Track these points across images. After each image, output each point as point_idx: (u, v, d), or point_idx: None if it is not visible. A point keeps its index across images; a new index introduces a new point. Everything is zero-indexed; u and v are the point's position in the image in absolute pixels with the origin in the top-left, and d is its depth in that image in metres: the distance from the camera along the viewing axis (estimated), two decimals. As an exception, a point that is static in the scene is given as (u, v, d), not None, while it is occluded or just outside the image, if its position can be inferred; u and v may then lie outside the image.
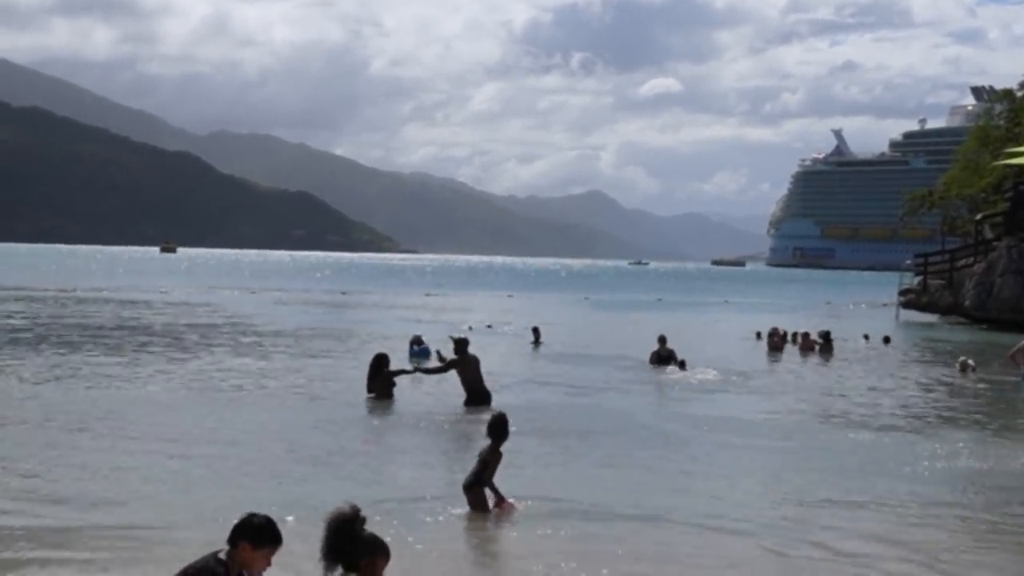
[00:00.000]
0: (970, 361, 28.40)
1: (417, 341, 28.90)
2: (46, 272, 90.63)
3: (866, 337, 38.99)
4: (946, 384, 26.21)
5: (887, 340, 38.80)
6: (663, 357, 27.56)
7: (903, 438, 17.56)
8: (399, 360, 23.63)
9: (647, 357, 28.18)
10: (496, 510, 11.21)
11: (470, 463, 11.71)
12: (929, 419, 20.10)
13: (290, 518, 9.82)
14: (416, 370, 21.09)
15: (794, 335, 35.51)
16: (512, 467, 12.23)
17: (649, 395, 22.83)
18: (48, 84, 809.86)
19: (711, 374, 25.74)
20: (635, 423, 18.33)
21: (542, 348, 33.08)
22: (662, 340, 28.08)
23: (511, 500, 11.30)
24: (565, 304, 64.35)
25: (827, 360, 32.03)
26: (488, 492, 11.33)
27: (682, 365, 26.69)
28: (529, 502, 11.63)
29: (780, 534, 10.88)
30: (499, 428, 11.29)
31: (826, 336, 34.53)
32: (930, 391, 24.98)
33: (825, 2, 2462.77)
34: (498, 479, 11.41)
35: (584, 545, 10.24)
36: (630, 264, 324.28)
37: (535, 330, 35.06)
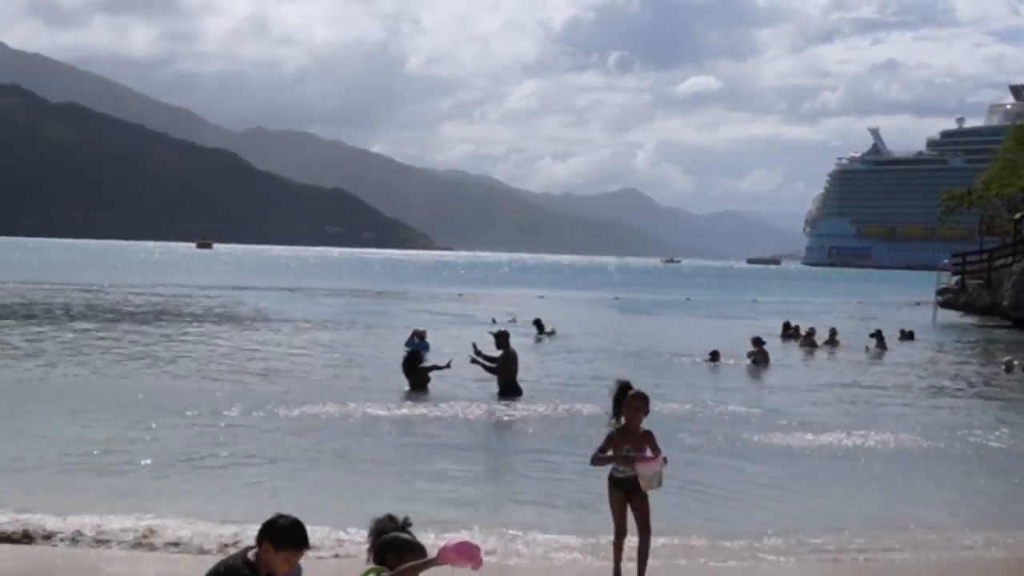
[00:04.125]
0: (1015, 360, 28.26)
1: (420, 335, 28.42)
2: (97, 269, 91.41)
3: (903, 334, 38.54)
4: (992, 382, 26.17)
5: (909, 336, 38.16)
6: (758, 358, 28.02)
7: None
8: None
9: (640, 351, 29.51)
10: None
11: (501, 456, 11.70)
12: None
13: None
14: (448, 363, 20.95)
15: (832, 332, 35.35)
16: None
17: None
18: (87, 81, 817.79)
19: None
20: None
21: (547, 342, 33.39)
22: (756, 342, 28.62)
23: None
24: (592, 304, 64.28)
25: (881, 356, 32.58)
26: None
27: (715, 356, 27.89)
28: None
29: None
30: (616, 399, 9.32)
31: (878, 335, 34.70)
32: (974, 388, 24.95)
33: (868, 0, 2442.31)
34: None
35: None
36: (662, 262, 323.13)
37: (537, 322, 35.76)
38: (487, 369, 20.22)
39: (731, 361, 27.84)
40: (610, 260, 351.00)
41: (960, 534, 11.14)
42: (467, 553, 5.62)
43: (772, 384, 24.61)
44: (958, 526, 11.50)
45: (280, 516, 5.99)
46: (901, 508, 12.28)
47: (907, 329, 39.49)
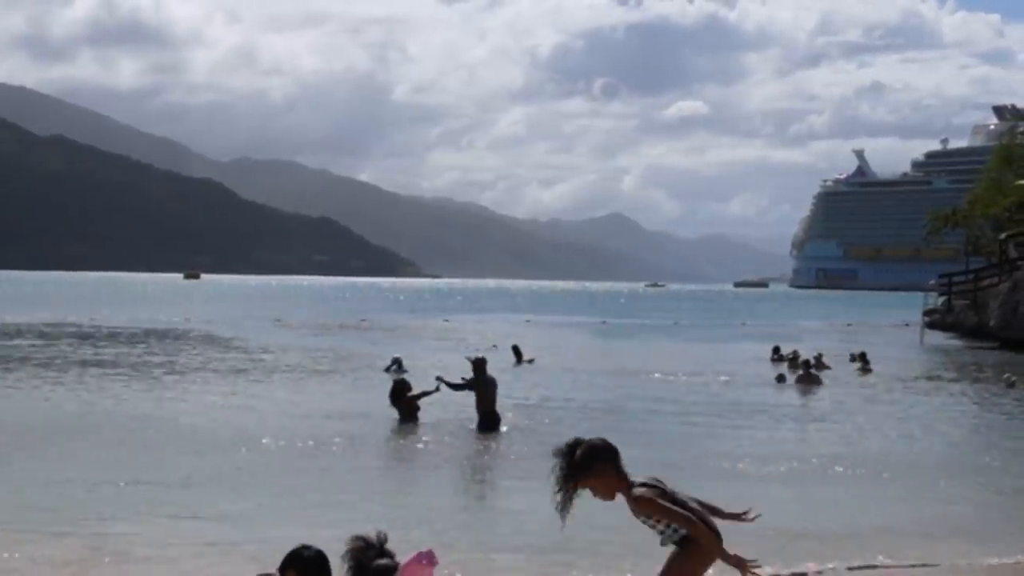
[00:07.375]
0: (1014, 377, 28.34)
1: (397, 362, 29.79)
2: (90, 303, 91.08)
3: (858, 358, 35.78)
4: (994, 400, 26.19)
5: (862, 359, 35.01)
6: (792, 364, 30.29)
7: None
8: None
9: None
10: None
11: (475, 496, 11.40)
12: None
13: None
14: (438, 386, 20.32)
15: (818, 356, 35.14)
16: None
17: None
18: (73, 113, 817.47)
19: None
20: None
21: (526, 369, 33.04)
22: (805, 365, 30.25)
23: None
24: (580, 329, 64.25)
25: (868, 377, 32.41)
26: None
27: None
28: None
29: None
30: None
31: (862, 357, 34.58)
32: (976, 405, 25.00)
33: (854, 24, 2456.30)
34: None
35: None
36: (646, 286, 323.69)
37: (515, 348, 35.60)
38: (458, 387, 19.90)
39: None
40: (597, 285, 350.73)
41: (970, 549, 10.96)
42: (424, 558, 5.69)
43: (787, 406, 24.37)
44: (964, 541, 11.35)
45: (305, 547, 5.90)
46: (900, 523, 12.16)
47: (859, 351, 36.35)
